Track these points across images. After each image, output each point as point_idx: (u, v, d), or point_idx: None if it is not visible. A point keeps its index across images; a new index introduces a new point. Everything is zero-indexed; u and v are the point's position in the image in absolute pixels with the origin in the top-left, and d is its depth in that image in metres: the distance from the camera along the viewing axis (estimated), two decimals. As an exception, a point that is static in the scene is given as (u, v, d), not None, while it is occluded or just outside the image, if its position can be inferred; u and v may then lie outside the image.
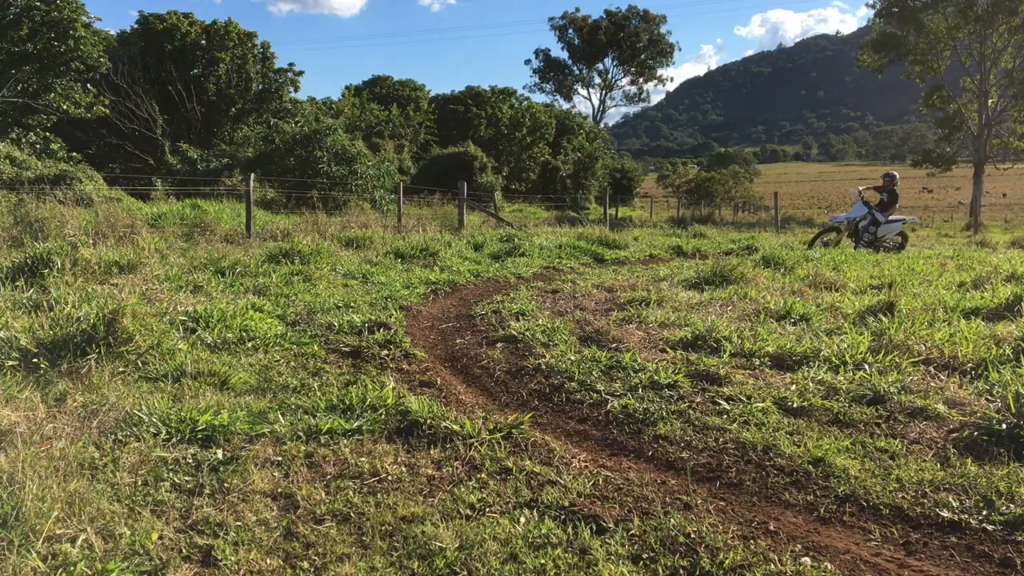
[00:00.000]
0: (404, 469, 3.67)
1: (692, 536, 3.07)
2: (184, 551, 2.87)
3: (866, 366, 5.28)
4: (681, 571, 2.84)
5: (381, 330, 6.36)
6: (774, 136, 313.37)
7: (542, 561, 2.87)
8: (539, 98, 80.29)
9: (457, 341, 6.59)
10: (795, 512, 3.37)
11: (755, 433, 4.19)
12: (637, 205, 57.38)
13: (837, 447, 3.98)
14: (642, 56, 77.55)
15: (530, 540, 3.02)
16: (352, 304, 7.53)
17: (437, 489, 3.48)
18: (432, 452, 3.89)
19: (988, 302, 7.55)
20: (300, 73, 38.73)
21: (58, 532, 2.85)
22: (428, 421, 4.15)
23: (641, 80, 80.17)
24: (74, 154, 27.56)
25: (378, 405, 4.40)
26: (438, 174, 35.71)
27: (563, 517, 3.23)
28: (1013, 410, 4.19)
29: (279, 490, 3.40)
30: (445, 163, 37.94)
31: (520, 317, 7.38)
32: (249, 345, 5.73)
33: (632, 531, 3.12)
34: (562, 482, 3.57)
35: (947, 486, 3.53)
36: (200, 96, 35.58)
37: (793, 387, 4.97)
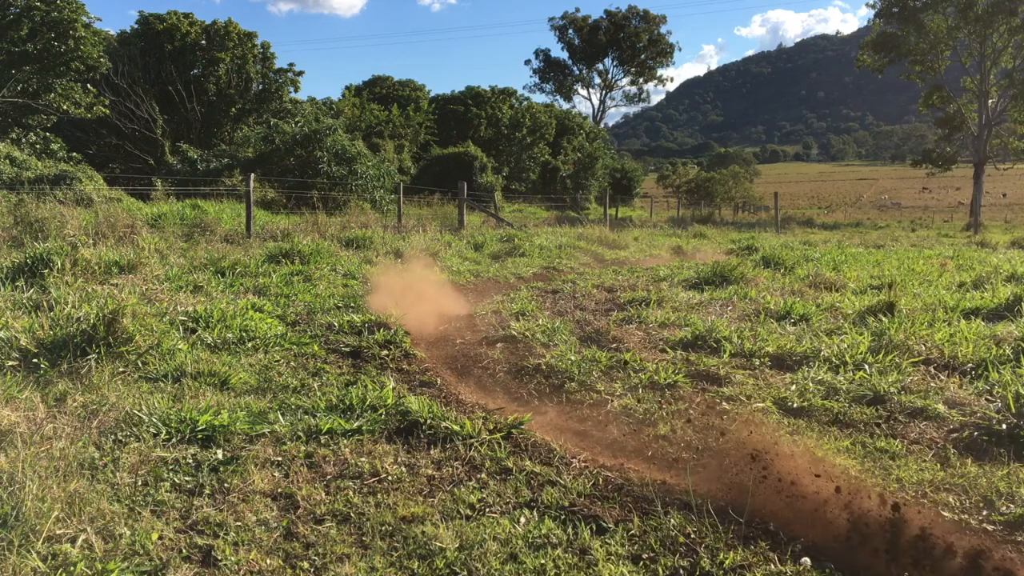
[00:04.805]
0: (404, 469, 3.67)
1: (692, 536, 3.07)
2: (184, 551, 2.87)
3: (866, 366, 5.28)
4: (681, 571, 2.84)
5: (381, 330, 6.37)
6: (774, 136, 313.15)
7: (542, 561, 2.87)
8: (539, 98, 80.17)
9: (457, 341, 6.59)
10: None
11: (755, 433, 4.18)
12: (637, 205, 57.34)
13: (837, 447, 3.98)
14: (642, 56, 77.46)
15: (530, 540, 3.02)
16: (352, 304, 7.53)
17: (437, 489, 3.48)
18: (432, 452, 3.89)
19: (988, 302, 7.56)
20: (300, 73, 38.72)
21: (58, 532, 2.85)
22: (428, 421, 4.15)
23: (641, 80, 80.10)
24: (74, 154, 27.52)
25: (378, 405, 4.40)
26: (438, 174, 35.67)
27: (563, 517, 3.23)
28: (1013, 410, 4.19)
29: (279, 490, 3.40)
30: (445, 163, 37.90)
31: (520, 317, 7.38)
32: (249, 345, 5.73)
33: (632, 531, 3.12)
34: (562, 482, 3.57)
35: (947, 486, 3.53)
36: (200, 96, 35.55)
37: (793, 387, 4.97)
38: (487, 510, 3.29)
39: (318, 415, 4.26)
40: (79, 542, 2.81)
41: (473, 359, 5.98)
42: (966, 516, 3.24)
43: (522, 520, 3.18)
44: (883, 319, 6.75)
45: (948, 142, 47.03)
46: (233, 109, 36.42)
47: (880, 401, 4.66)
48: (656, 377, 5.16)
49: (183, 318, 6.04)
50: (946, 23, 41.63)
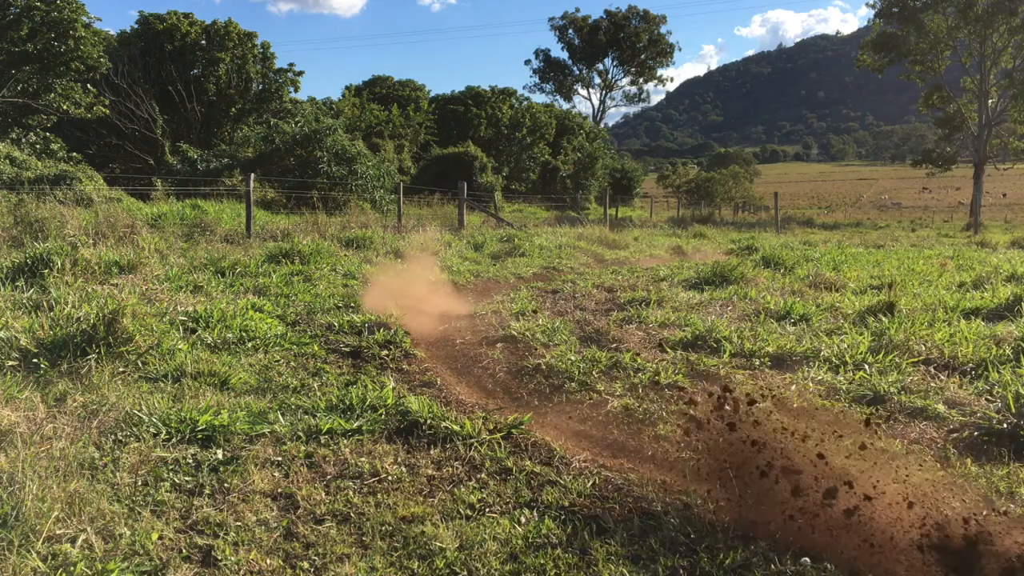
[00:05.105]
0: (404, 469, 3.67)
1: (692, 536, 3.07)
2: (184, 551, 2.87)
3: (866, 366, 5.28)
4: (681, 571, 2.85)
5: (381, 330, 6.37)
6: (774, 136, 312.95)
7: (542, 561, 2.87)
8: (539, 98, 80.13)
9: (457, 341, 6.59)
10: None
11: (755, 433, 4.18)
12: (637, 205, 57.34)
13: (837, 447, 3.97)
14: (642, 56, 77.49)
15: (530, 540, 3.02)
16: (352, 304, 7.53)
17: (437, 489, 3.48)
18: (432, 452, 3.89)
19: (988, 302, 7.56)
20: (300, 73, 38.71)
21: (58, 532, 2.85)
22: (428, 421, 4.16)
23: (641, 80, 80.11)
24: (74, 154, 27.50)
25: (378, 405, 4.40)
26: (438, 174, 35.68)
27: (563, 517, 3.23)
28: (1013, 410, 4.19)
29: (279, 490, 3.40)
30: (445, 163, 37.90)
31: (520, 317, 7.38)
32: (249, 345, 5.74)
33: (632, 531, 3.12)
34: (562, 482, 3.57)
35: (947, 486, 3.52)
36: (200, 96, 35.54)
37: (793, 387, 4.97)
38: (487, 510, 3.29)
39: (318, 415, 4.26)
40: (79, 542, 2.81)
41: (473, 359, 5.98)
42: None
43: (522, 520, 3.18)
44: (883, 319, 6.75)
45: (948, 142, 47.03)
46: (233, 109, 36.41)
47: (880, 401, 4.66)
48: (656, 377, 5.16)
49: (183, 318, 6.04)
50: (946, 23, 41.62)
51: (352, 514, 3.21)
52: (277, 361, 5.45)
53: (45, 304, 5.75)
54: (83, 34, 26.18)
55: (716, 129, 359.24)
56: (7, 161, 20.47)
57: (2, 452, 3.39)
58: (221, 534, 3.00)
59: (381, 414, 4.29)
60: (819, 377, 5.13)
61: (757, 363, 5.58)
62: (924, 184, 75.73)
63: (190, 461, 3.60)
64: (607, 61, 78.99)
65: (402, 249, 12.36)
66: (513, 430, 4.17)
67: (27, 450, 3.42)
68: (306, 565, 2.83)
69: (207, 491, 3.33)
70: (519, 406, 4.87)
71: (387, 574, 2.80)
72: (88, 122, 30.19)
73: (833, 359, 5.51)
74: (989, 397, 4.64)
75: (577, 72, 79.99)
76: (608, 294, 9.08)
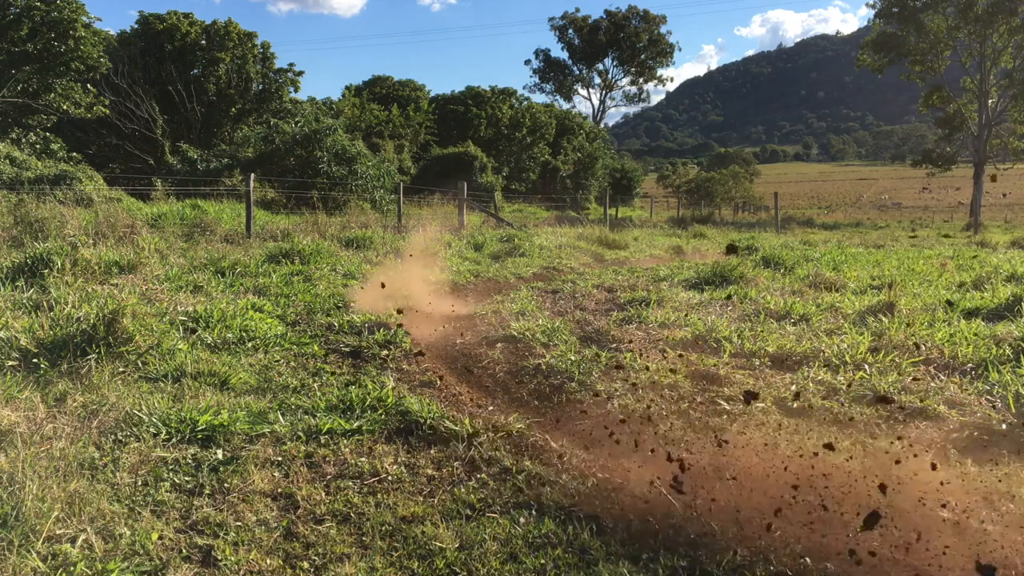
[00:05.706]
0: (404, 469, 3.67)
1: (692, 536, 3.07)
2: (184, 551, 2.87)
3: (866, 366, 5.28)
4: (681, 571, 2.85)
5: (381, 330, 6.37)
6: (774, 136, 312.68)
7: (542, 561, 2.87)
8: (539, 98, 79.97)
9: (457, 341, 6.59)
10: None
11: (755, 433, 4.18)
12: (637, 205, 57.31)
13: (838, 448, 3.98)
14: (642, 56, 77.49)
15: (530, 540, 3.02)
16: (352, 304, 7.53)
17: (437, 489, 3.49)
18: (432, 452, 3.89)
19: (988, 302, 7.56)
20: (300, 73, 38.68)
21: (58, 532, 2.85)
22: (428, 421, 4.16)
23: (641, 80, 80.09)
24: (74, 154, 27.48)
25: (378, 405, 4.40)
26: (438, 174, 35.67)
27: (563, 517, 3.23)
28: (1013, 410, 4.19)
29: (279, 490, 3.40)
30: (445, 163, 37.90)
31: (520, 317, 7.37)
32: (249, 345, 5.74)
33: (632, 531, 3.12)
34: (562, 482, 3.57)
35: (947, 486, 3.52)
36: (200, 96, 35.52)
37: (793, 387, 4.97)
38: (487, 510, 3.29)
39: (318, 415, 4.26)
40: (79, 542, 2.81)
41: (473, 359, 5.98)
42: (965, 516, 3.24)
43: (522, 520, 3.19)
44: (883, 319, 6.75)
45: (948, 142, 47.04)
46: (233, 109, 36.40)
47: (880, 401, 4.65)
48: (656, 377, 5.16)
49: (183, 318, 6.04)
50: (946, 23, 41.62)
51: (352, 514, 3.21)
52: (277, 361, 5.45)
53: (45, 304, 5.75)
54: (83, 34, 26.17)
55: (716, 129, 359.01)
56: (7, 161, 20.45)
57: (2, 452, 3.39)
58: (221, 534, 3.00)
59: (381, 414, 4.29)
60: (819, 377, 5.13)
61: (757, 363, 5.58)
62: (924, 184, 75.55)
63: (190, 461, 3.60)
64: (607, 61, 78.99)
65: (402, 249, 12.36)
66: (513, 430, 4.17)
67: (27, 450, 3.42)
68: (306, 565, 2.83)
69: (207, 491, 3.33)
70: (519, 406, 4.87)
71: (387, 574, 2.80)
72: (88, 122, 30.18)
73: (833, 359, 5.51)
74: (989, 397, 4.64)
75: (577, 72, 79.99)
76: (608, 294, 9.08)
